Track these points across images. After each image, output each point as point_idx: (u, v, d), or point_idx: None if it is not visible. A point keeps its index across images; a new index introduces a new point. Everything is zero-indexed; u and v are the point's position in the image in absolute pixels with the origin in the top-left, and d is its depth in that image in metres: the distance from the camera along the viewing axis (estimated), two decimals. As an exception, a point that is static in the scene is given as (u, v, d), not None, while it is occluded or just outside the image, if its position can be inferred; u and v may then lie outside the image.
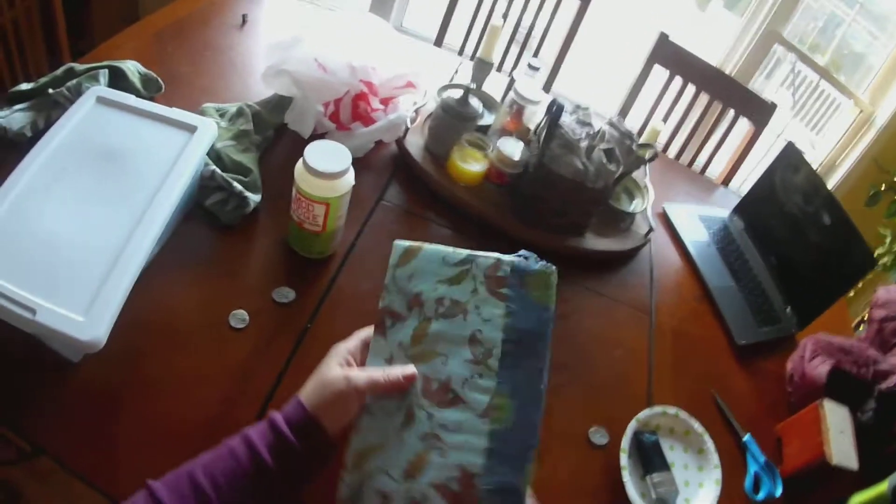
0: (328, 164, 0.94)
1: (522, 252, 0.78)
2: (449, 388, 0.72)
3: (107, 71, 1.11)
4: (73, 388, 0.81)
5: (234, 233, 1.06)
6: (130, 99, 1.00)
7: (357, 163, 1.22)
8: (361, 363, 0.77)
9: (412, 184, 1.30)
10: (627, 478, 0.98)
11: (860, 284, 2.29)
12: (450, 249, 0.78)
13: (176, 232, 1.01)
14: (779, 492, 1.07)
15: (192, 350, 0.90)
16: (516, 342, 0.74)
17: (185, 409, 0.84)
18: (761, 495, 1.06)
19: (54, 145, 0.90)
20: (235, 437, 0.70)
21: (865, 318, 2.16)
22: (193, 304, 0.95)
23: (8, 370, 0.81)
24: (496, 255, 0.77)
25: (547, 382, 0.73)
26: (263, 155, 1.19)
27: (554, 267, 0.77)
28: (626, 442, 1.01)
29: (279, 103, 1.24)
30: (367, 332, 0.79)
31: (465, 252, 0.78)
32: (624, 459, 0.99)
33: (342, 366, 0.74)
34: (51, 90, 1.04)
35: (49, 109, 1.01)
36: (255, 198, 1.07)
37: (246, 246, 1.06)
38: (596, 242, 1.32)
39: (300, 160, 0.95)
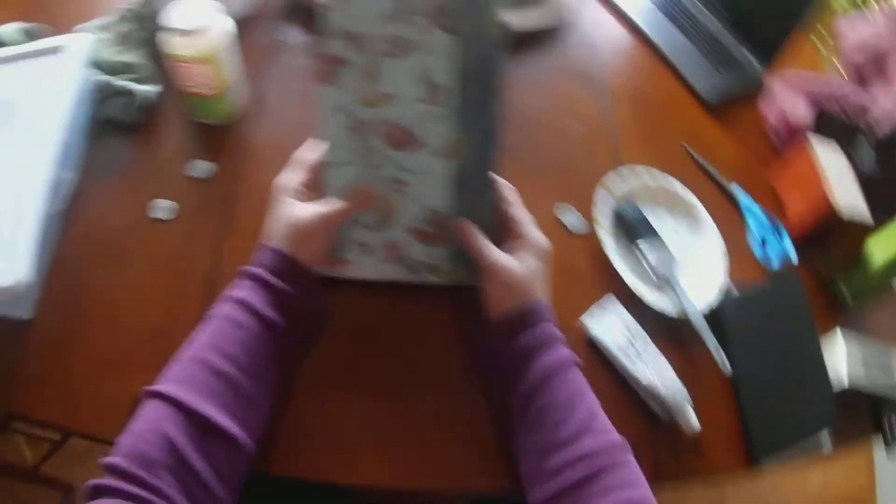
0: (193, 20, 0.85)
1: None
2: (406, 131, 0.71)
3: None
4: (36, 345, 0.76)
5: (146, 131, 0.96)
6: (-7, 52, 0.93)
7: (252, 19, 1.11)
8: (312, 188, 0.73)
9: (311, 21, 1.13)
10: (612, 253, 0.82)
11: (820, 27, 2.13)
12: None
13: (90, 153, 0.93)
14: (793, 255, 0.94)
15: (130, 260, 0.83)
16: (468, 74, 0.69)
17: (138, 321, 0.78)
18: (775, 262, 0.93)
19: None
20: (224, 305, 0.65)
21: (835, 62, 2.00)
22: (121, 215, 0.87)
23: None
24: None
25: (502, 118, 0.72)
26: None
27: None
28: (599, 214, 0.85)
29: (159, -7, 1.12)
30: (304, 154, 0.74)
31: None
32: (603, 234, 0.83)
33: (302, 200, 0.71)
34: None
35: None
36: (153, 89, 0.98)
37: (158, 138, 0.97)
38: (516, 18, 1.12)
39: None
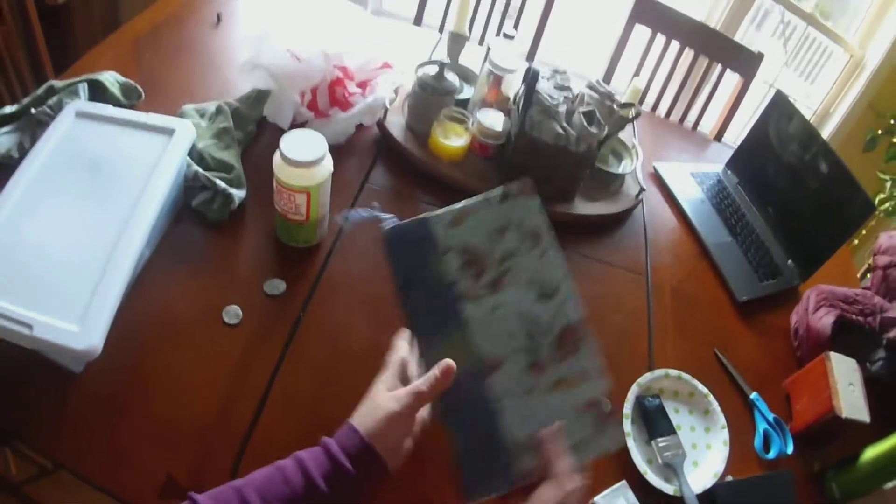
0: (304, 152, 0.95)
1: None
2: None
3: (86, 85, 1.11)
4: (79, 397, 0.83)
5: (224, 230, 1.07)
6: (108, 109, 1.01)
7: (339, 148, 1.25)
8: (405, 382, 0.76)
9: (397, 164, 1.29)
10: (632, 444, 0.97)
11: (863, 232, 2.27)
12: None
13: (167, 234, 1.03)
14: (790, 449, 1.05)
15: (189, 349, 0.91)
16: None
17: (186, 409, 0.85)
18: (772, 454, 1.04)
19: (38, 164, 0.92)
20: (288, 461, 0.70)
21: (871, 265, 2.14)
22: (187, 304, 0.96)
23: (14, 386, 0.82)
24: None
25: None
26: (247, 150, 1.20)
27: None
28: (628, 407, 1.00)
29: (258, 97, 1.24)
30: (397, 355, 0.78)
31: None
32: (627, 426, 0.98)
33: (389, 389, 0.75)
34: (33, 110, 1.05)
35: (34, 129, 1.03)
36: (239, 193, 1.07)
37: (235, 242, 1.07)
38: (585, 207, 1.30)
39: (277, 151, 0.96)
